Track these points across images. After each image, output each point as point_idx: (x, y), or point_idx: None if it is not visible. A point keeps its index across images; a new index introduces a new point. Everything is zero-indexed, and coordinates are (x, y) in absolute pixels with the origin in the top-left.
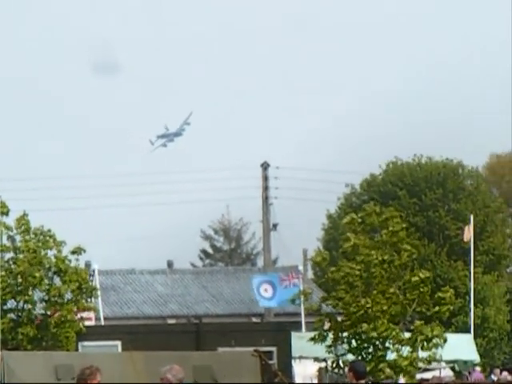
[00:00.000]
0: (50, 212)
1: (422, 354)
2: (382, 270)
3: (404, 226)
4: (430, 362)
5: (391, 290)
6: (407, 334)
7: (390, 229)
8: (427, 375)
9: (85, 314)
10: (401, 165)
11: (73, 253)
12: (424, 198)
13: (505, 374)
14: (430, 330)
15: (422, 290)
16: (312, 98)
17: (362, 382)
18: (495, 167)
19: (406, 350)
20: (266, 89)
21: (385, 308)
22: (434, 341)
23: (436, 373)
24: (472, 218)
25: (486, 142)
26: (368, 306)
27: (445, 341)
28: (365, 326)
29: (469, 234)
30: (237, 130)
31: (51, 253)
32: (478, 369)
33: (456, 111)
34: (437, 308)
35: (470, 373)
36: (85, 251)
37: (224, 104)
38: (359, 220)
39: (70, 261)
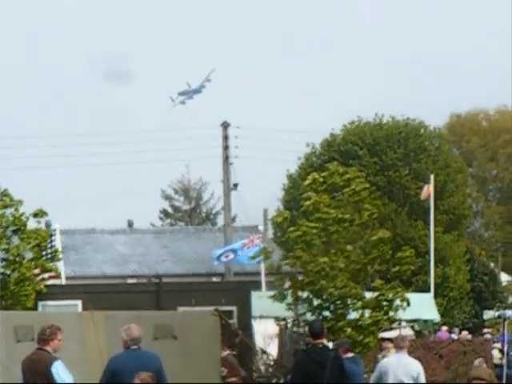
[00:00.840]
0: (6, 171)
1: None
2: (342, 229)
3: (367, 185)
4: (392, 322)
5: (348, 248)
6: (368, 294)
7: (353, 188)
8: (388, 334)
9: (46, 275)
10: (361, 124)
11: (35, 215)
12: (384, 157)
13: (464, 333)
14: (391, 291)
15: (381, 249)
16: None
17: (319, 341)
18: (456, 127)
19: (367, 311)
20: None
21: (342, 266)
22: (396, 303)
23: (397, 332)
24: (432, 177)
25: (447, 102)
26: (326, 264)
27: (408, 304)
28: (323, 282)
29: (427, 192)
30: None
31: (9, 212)
32: (444, 328)
33: (417, 71)
34: (397, 268)
35: (436, 332)
36: (47, 214)
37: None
38: (321, 180)
39: (27, 218)
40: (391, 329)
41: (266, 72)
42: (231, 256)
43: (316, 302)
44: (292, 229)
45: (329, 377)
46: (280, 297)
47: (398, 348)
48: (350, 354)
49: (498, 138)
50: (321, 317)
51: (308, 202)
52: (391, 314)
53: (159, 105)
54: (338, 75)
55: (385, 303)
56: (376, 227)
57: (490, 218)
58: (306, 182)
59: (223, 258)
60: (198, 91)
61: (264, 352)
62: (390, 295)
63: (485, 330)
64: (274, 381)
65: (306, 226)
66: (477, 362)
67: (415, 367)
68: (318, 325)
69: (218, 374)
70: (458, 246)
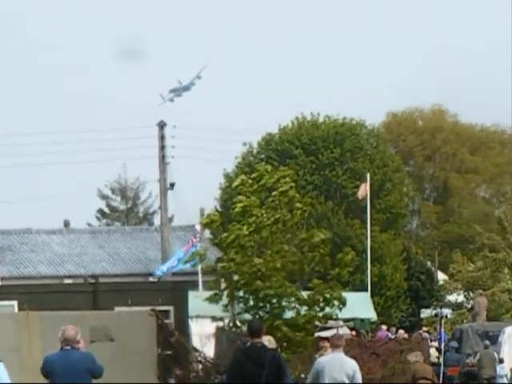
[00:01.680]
0: None
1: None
2: (276, 230)
3: (293, 184)
4: (326, 320)
5: (285, 248)
6: (305, 293)
7: (280, 189)
8: (326, 334)
9: None
10: (298, 123)
11: None
12: (321, 156)
13: (401, 331)
14: (328, 291)
15: (321, 251)
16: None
17: (258, 340)
18: (392, 126)
19: (303, 309)
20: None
21: (278, 266)
22: (333, 303)
23: (334, 331)
24: (368, 176)
25: (384, 100)
26: (260, 264)
27: (344, 303)
28: (258, 283)
29: (364, 191)
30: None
31: None
32: (383, 327)
33: (355, 68)
34: (337, 270)
35: (375, 331)
36: None
37: None
38: (250, 181)
39: None
40: (328, 328)
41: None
42: (175, 263)
43: (252, 302)
44: (225, 234)
45: (267, 376)
46: (215, 298)
47: (334, 347)
48: None
49: (433, 137)
50: (257, 316)
51: (238, 206)
52: (327, 310)
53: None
54: (274, 75)
55: (320, 300)
56: (312, 226)
57: (427, 217)
58: (235, 184)
59: (169, 270)
60: (187, 88)
61: (200, 352)
62: (327, 295)
63: (422, 329)
64: (210, 380)
65: (237, 229)
66: (414, 356)
67: (351, 366)
68: (256, 324)
69: (153, 374)
70: (395, 244)
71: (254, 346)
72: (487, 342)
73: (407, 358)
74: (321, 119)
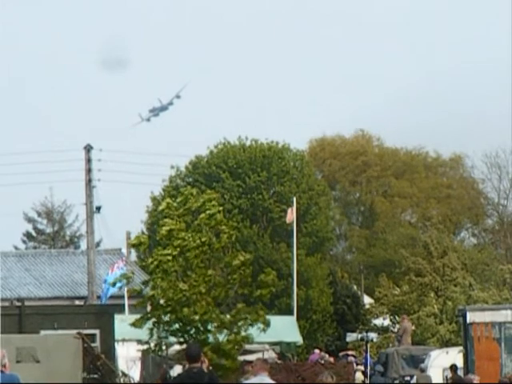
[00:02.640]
0: None
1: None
2: (201, 253)
3: (220, 208)
4: (251, 343)
5: (210, 273)
6: (228, 316)
7: (208, 212)
8: (250, 357)
9: None
10: (225, 147)
11: None
12: (248, 180)
13: (323, 354)
14: (253, 314)
15: (243, 272)
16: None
17: (195, 364)
18: (317, 151)
19: (226, 333)
20: None
21: (203, 291)
22: (257, 326)
23: (259, 355)
24: (295, 200)
25: (311, 125)
26: (185, 290)
27: (268, 325)
28: (185, 310)
29: (291, 215)
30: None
31: None
32: (316, 351)
33: (280, 95)
34: (259, 291)
35: (309, 354)
36: None
37: None
38: (175, 205)
39: None
40: (253, 352)
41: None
42: (106, 289)
43: (177, 326)
44: (150, 259)
45: None
46: (140, 322)
47: (259, 370)
48: None
49: (357, 161)
50: (181, 339)
51: (164, 230)
52: (249, 332)
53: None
54: (203, 100)
55: (243, 323)
56: (237, 250)
57: (354, 241)
58: (160, 208)
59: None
60: (164, 108)
61: (126, 375)
62: (250, 318)
63: (348, 353)
64: None
65: (161, 254)
66: (324, 376)
67: None
68: (194, 348)
69: None
70: (321, 268)
71: (190, 371)
72: (422, 365)
73: (319, 378)
74: (248, 143)
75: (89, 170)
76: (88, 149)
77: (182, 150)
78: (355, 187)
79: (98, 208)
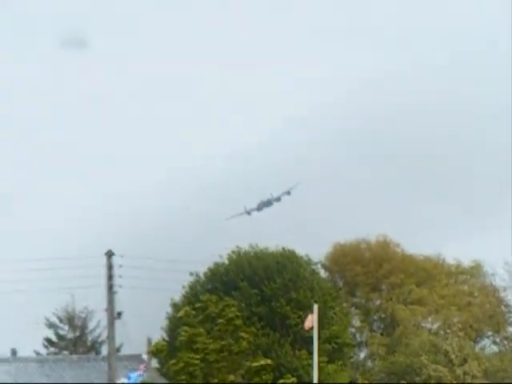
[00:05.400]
0: None
1: None
2: (221, 358)
3: (239, 314)
4: None
5: (231, 378)
6: None
7: (226, 317)
8: None
9: None
10: (240, 254)
11: None
12: (264, 287)
13: None
14: None
15: (263, 376)
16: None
17: None
18: (339, 256)
19: None
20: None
21: None
22: None
23: None
24: (316, 306)
25: (329, 233)
26: None
27: None
28: None
29: (310, 322)
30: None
31: None
32: None
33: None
34: None
35: None
36: None
37: None
38: (193, 312)
39: None
40: None
41: None
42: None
43: None
44: (173, 361)
45: None
46: None
47: None
48: None
49: (380, 268)
50: None
51: (183, 335)
52: None
53: None
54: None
55: None
56: (258, 355)
57: (374, 348)
58: (179, 314)
59: None
60: (269, 204)
61: None
62: None
63: None
64: None
65: (187, 357)
66: None
67: None
68: None
69: None
70: (342, 376)
71: None
72: None
73: None
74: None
75: (110, 276)
76: (109, 255)
77: (199, 257)
78: (375, 293)
79: (119, 313)
